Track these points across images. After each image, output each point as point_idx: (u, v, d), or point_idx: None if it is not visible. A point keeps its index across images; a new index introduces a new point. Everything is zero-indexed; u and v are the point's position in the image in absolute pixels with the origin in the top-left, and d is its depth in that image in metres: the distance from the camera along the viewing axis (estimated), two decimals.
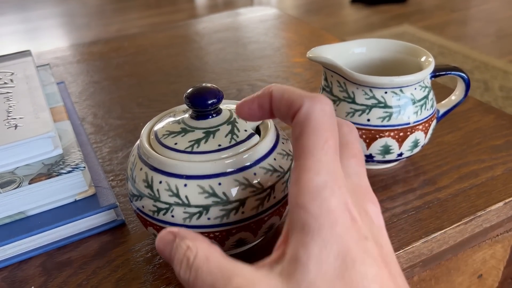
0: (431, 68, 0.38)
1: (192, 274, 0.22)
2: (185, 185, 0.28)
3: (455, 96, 0.43)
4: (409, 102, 0.38)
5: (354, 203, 0.22)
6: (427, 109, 0.39)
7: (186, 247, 0.23)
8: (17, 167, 0.36)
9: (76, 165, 0.36)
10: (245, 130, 0.30)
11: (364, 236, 0.21)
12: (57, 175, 0.35)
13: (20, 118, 0.38)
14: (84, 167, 0.36)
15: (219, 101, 0.30)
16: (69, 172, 0.36)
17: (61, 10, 2.90)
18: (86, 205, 0.37)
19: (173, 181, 0.28)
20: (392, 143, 0.38)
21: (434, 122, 0.41)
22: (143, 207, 0.30)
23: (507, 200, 0.38)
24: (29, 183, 0.35)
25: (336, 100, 0.39)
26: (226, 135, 0.29)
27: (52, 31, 2.59)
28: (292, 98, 0.24)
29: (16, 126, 0.36)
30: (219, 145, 0.29)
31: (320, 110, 0.23)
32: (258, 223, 0.30)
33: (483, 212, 0.37)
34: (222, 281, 0.21)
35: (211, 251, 0.22)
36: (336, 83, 0.39)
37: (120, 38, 0.79)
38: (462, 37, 2.29)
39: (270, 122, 0.32)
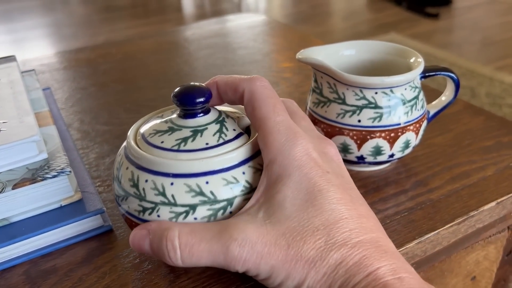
0: (421, 68, 0.38)
1: (185, 252, 0.26)
2: (172, 183, 0.27)
3: (445, 97, 0.42)
4: (399, 102, 0.38)
5: (314, 148, 0.27)
6: (418, 110, 0.39)
7: (165, 233, 0.26)
8: (0, 172, 0.35)
9: (61, 169, 0.35)
10: (234, 130, 0.30)
11: (325, 171, 0.27)
12: (42, 180, 0.34)
13: (4, 122, 0.37)
14: (70, 172, 0.35)
15: (207, 100, 0.30)
16: (54, 176, 0.35)
17: (47, 21, 2.88)
18: (72, 211, 0.36)
19: (160, 180, 0.27)
20: (383, 143, 0.38)
21: (425, 122, 0.40)
22: (128, 207, 0.29)
23: (499, 200, 0.38)
24: (13, 188, 0.34)
25: (326, 101, 0.39)
26: (214, 134, 0.29)
27: (38, 41, 2.57)
28: (235, 83, 0.29)
29: None
30: (207, 144, 0.28)
31: (260, 86, 0.28)
32: None
33: (476, 212, 0.37)
34: (217, 240, 0.25)
35: (188, 225, 0.27)
36: (326, 84, 0.39)
37: (107, 45, 0.78)
38: (449, 45, 2.32)
39: None
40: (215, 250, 0.25)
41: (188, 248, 0.25)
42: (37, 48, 2.46)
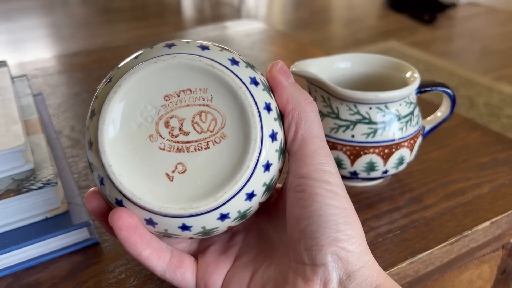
0: (416, 84, 0.37)
1: None
2: None
3: (441, 113, 0.42)
4: (394, 118, 0.37)
5: None
6: (413, 126, 0.38)
7: None
8: None
9: (47, 180, 0.34)
10: None
11: None
12: (27, 191, 0.34)
13: None
14: (56, 183, 0.34)
15: None
16: (40, 188, 0.34)
17: (46, 22, 2.87)
18: (58, 223, 0.35)
19: None
20: (377, 160, 0.37)
21: (420, 138, 0.40)
22: None
23: (493, 219, 0.37)
24: None
25: (320, 116, 0.38)
26: None
27: (37, 42, 2.55)
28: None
29: None
30: None
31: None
32: None
33: (470, 231, 0.36)
34: None
35: None
36: (320, 98, 0.38)
37: (103, 50, 0.78)
38: (448, 54, 2.31)
39: None
40: None
41: None
42: (35, 49, 2.45)
